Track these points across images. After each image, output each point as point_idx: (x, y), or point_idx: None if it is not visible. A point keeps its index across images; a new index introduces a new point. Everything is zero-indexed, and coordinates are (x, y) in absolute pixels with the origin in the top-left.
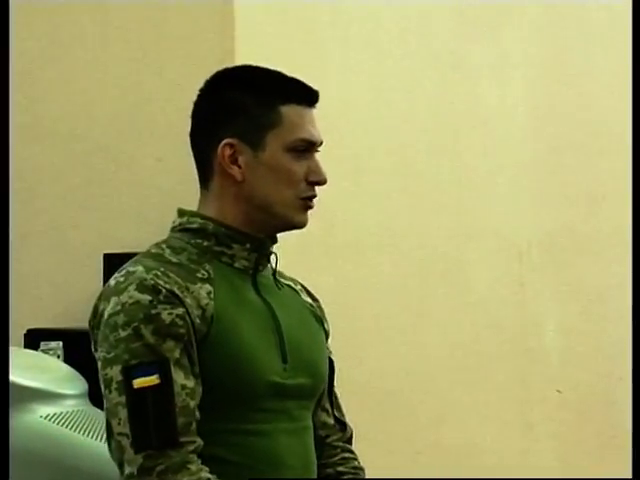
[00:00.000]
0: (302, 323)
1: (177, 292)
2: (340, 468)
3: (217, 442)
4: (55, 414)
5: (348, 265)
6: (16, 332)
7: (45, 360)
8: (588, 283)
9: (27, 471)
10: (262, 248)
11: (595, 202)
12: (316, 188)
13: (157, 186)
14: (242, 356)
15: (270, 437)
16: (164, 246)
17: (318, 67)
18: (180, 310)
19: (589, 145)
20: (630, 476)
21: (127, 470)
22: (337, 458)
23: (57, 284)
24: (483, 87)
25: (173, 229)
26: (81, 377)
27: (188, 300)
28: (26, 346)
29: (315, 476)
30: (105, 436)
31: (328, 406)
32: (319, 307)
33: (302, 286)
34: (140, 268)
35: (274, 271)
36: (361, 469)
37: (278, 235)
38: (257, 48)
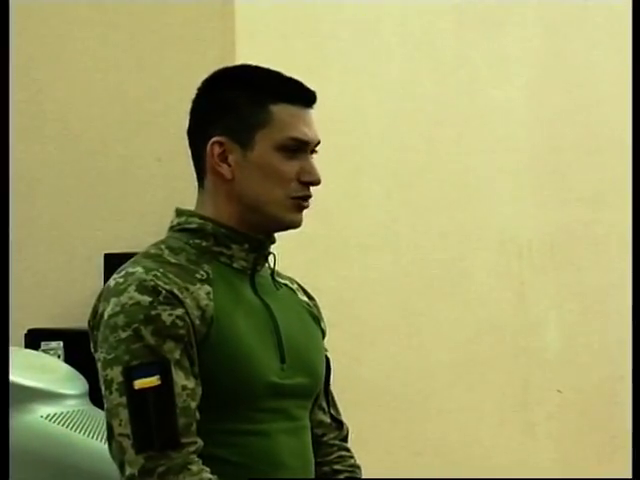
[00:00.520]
0: (300, 323)
1: (177, 293)
2: (337, 466)
3: (216, 442)
4: (55, 414)
5: (348, 265)
6: (16, 332)
7: (45, 360)
8: (588, 283)
9: (27, 471)
10: (261, 249)
11: (595, 202)
12: (316, 188)
13: (157, 186)
14: (240, 356)
15: (269, 437)
16: (163, 246)
17: (318, 67)
18: (180, 311)
19: (589, 145)
20: (630, 476)
21: (128, 471)
22: (334, 456)
23: (57, 284)
24: (484, 87)
25: (171, 229)
26: (81, 377)
27: (188, 301)
28: (27, 346)
29: (314, 475)
30: (105, 436)
31: (324, 404)
32: (315, 306)
33: (298, 285)
34: (140, 269)
35: (272, 271)
36: (358, 467)
37: (277, 235)
38: (257, 48)
